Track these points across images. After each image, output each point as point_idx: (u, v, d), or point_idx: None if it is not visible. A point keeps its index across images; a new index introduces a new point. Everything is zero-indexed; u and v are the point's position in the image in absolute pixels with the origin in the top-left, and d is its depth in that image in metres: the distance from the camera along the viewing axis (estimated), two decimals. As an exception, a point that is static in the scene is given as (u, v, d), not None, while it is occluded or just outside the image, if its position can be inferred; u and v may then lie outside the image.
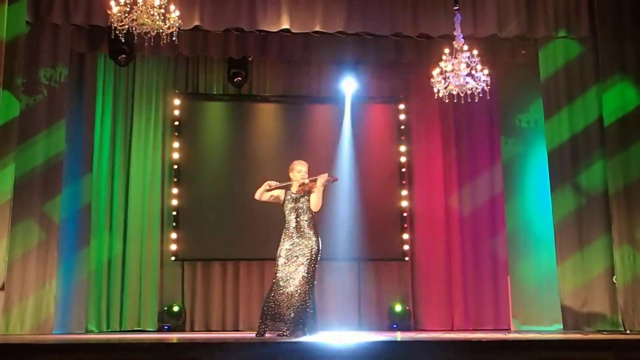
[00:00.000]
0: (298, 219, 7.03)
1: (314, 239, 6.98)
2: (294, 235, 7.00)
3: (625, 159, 8.59)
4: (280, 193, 7.17)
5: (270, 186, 7.11)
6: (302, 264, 6.90)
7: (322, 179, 6.99)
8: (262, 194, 7.14)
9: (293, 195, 7.08)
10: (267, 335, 6.88)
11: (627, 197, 8.53)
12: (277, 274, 6.94)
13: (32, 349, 5.12)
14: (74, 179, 9.24)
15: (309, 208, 7.04)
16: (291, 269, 6.91)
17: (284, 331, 6.78)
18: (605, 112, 8.74)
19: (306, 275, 6.89)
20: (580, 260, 8.76)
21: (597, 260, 8.72)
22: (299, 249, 6.95)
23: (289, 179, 7.24)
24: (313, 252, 6.94)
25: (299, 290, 6.84)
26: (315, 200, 6.99)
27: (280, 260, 6.96)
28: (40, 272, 8.41)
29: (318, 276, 10.12)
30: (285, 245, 7.00)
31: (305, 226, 7.01)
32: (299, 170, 7.13)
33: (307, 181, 7.07)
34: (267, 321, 6.91)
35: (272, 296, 6.92)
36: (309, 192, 7.07)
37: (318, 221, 7.30)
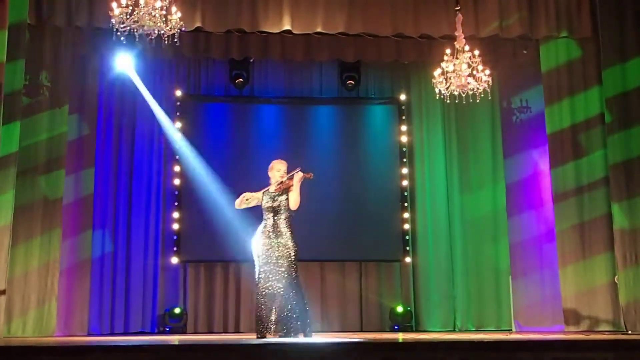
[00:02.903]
0: (275, 218, 7.02)
1: (290, 239, 6.96)
2: (270, 234, 6.98)
3: (626, 138, 8.57)
4: (259, 195, 7.17)
5: (247, 199, 7.13)
6: (282, 265, 6.87)
7: (297, 176, 7.00)
8: (241, 204, 7.16)
9: (271, 194, 7.10)
10: (268, 336, 6.88)
11: (628, 185, 8.52)
12: (260, 275, 6.93)
13: (34, 352, 5.12)
14: (76, 179, 9.24)
15: (286, 207, 7.04)
16: (269, 268, 6.88)
17: (273, 332, 6.79)
18: (607, 109, 8.73)
19: (288, 277, 6.86)
20: (582, 261, 8.76)
21: (598, 261, 8.72)
22: (277, 250, 6.91)
23: (269, 179, 7.25)
24: (292, 253, 6.92)
25: (281, 292, 6.82)
26: (294, 199, 7.00)
27: (260, 260, 6.95)
28: (42, 275, 8.43)
29: (320, 278, 10.25)
30: (261, 243, 6.97)
31: (282, 225, 7.00)
32: (278, 169, 7.15)
33: (285, 179, 7.09)
34: (261, 324, 6.90)
35: (258, 299, 6.93)
36: (287, 191, 7.08)
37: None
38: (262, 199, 7.10)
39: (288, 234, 6.97)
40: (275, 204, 7.04)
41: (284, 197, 7.05)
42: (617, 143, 8.61)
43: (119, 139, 10.05)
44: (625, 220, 8.46)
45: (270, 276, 6.87)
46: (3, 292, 7.70)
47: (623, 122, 8.61)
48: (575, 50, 9.16)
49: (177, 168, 10.22)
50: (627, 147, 8.55)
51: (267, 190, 7.13)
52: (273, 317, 6.78)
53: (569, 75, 9.13)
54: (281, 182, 7.08)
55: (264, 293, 6.87)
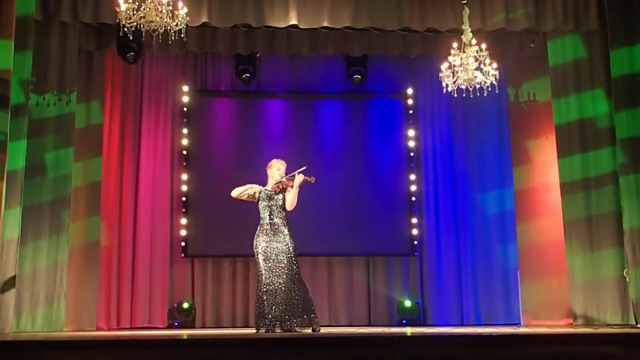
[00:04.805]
0: (272, 216, 7.09)
1: (288, 237, 7.04)
2: (268, 232, 7.05)
3: (634, 116, 8.50)
4: (255, 191, 7.20)
5: (245, 190, 7.17)
6: (282, 261, 6.96)
7: (298, 178, 7.02)
8: (241, 194, 7.19)
9: (268, 192, 7.13)
10: (277, 330, 6.90)
11: (636, 163, 8.46)
12: (261, 271, 6.98)
13: (43, 346, 5.14)
14: (84, 169, 9.24)
15: (282, 206, 7.10)
16: (270, 264, 6.95)
17: (279, 327, 6.81)
18: (616, 102, 8.68)
19: (289, 272, 6.94)
20: (590, 254, 8.73)
21: (607, 254, 8.68)
22: (276, 247, 6.99)
23: (267, 177, 7.25)
24: (291, 251, 7.01)
25: (283, 287, 6.89)
26: (290, 200, 7.06)
27: (260, 257, 7.00)
28: (51, 271, 8.44)
29: (327, 272, 10.27)
30: (260, 241, 7.03)
31: (280, 224, 7.07)
32: (278, 168, 7.21)
33: (285, 179, 7.13)
34: (263, 319, 6.92)
35: (260, 295, 6.97)
36: (284, 190, 7.12)
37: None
38: (259, 197, 7.14)
39: (285, 231, 7.06)
40: (271, 202, 7.12)
41: (280, 196, 7.11)
42: (625, 121, 8.54)
43: (124, 134, 10.05)
44: (635, 194, 8.38)
45: (271, 272, 6.94)
46: (12, 285, 7.71)
47: (630, 102, 8.55)
48: (582, 48, 9.10)
49: (184, 162, 10.24)
50: (634, 126, 8.51)
51: (264, 188, 7.18)
52: (277, 313, 6.81)
53: (576, 71, 9.07)
54: (280, 182, 7.11)
55: (265, 289, 6.92)
